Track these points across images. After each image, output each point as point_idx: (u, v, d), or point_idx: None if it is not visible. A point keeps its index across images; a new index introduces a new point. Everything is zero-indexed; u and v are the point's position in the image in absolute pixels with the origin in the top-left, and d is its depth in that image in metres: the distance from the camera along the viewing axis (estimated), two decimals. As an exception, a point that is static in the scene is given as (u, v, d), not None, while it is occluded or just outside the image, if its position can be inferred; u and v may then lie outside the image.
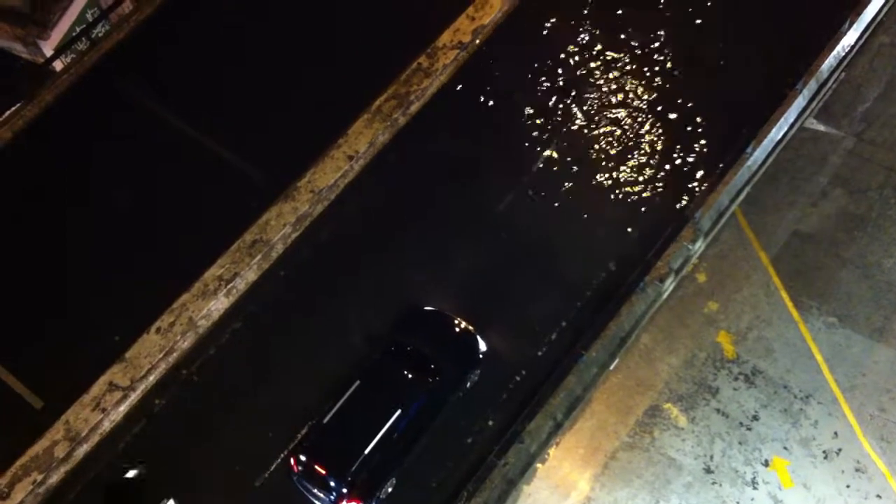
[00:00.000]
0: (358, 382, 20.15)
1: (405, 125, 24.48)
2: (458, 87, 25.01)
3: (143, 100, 24.75)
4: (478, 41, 25.64)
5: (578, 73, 24.99)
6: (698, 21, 25.56)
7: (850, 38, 25.09)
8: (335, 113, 24.24)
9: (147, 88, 24.95)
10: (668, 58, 25.09)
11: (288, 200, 23.11)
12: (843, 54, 25.14)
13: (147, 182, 23.59)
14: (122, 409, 20.92)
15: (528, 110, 24.47)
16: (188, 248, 22.52)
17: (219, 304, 22.02)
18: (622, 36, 25.44)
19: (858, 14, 25.04)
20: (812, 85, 24.17)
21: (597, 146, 23.98)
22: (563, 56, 25.26)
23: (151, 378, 21.17)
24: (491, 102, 24.74)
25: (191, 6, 26.00)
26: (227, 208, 23.10)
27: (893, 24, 26.93)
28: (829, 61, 24.61)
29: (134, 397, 21.02)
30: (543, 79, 24.97)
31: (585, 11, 25.87)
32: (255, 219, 22.88)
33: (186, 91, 24.86)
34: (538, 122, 24.41)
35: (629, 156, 23.78)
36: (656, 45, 25.28)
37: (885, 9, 26.07)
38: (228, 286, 22.06)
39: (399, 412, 19.71)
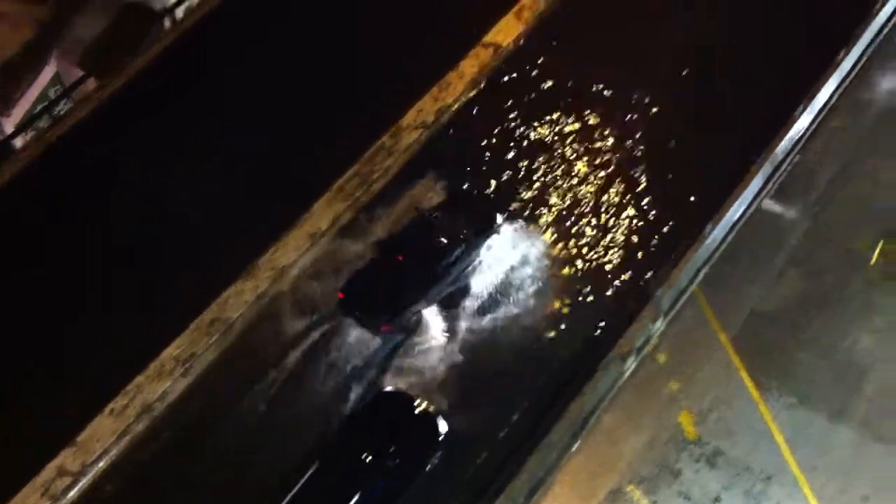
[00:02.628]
0: (316, 465, 19.82)
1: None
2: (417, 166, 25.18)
3: (103, 177, 24.59)
4: (442, 120, 25.98)
5: (536, 150, 25.35)
6: (657, 104, 26.09)
7: (803, 121, 25.76)
8: (298, 192, 24.22)
9: (107, 166, 24.79)
10: (628, 137, 25.53)
11: (248, 278, 22.92)
12: (798, 137, 25.75)
13: (103, 261, 23.27)
14: (72, 495, 20.30)
15: (487, 188, 24.67)
16: (144, 327, 22.15)
17: (175, 385, 21.60)
18: (584, 114, 25.90)
19: (811, 98, 25.75)
20: (768, 167, 24.67)
21: (555, 224, 24.16)
22: (519, 135, 25.60)
23: (102, 463, 20.61)
24: (445, 182, 24.90)
25: (154, 89, 25.99)
26: (186, 286, 22.82)
27: (845, 109, 27.62)
28: (784, 144, 25.22)
29: (84, 482, 20.42)
30: (500, 156, 25.21)
31: (544, 91, 26.37)
32: (214, 297, 22.64)
33: (147, 169, 24.71)
34: (493, 197, 24.61)
35: (588, 235, 23.96)
36: (616, 124, 25.74)
37: (837, 94, 26.83)
38: (185, 366, 21.69)
39: (358, 497, 19.35)
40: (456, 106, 26.08)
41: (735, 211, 24.10)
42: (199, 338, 22.05)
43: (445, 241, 22.59)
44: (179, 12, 28.50)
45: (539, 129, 25.76)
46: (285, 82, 26.10)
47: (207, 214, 23.78)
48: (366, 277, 22.47)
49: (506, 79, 26.66)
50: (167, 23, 28.45)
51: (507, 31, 27.63)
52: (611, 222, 24.20)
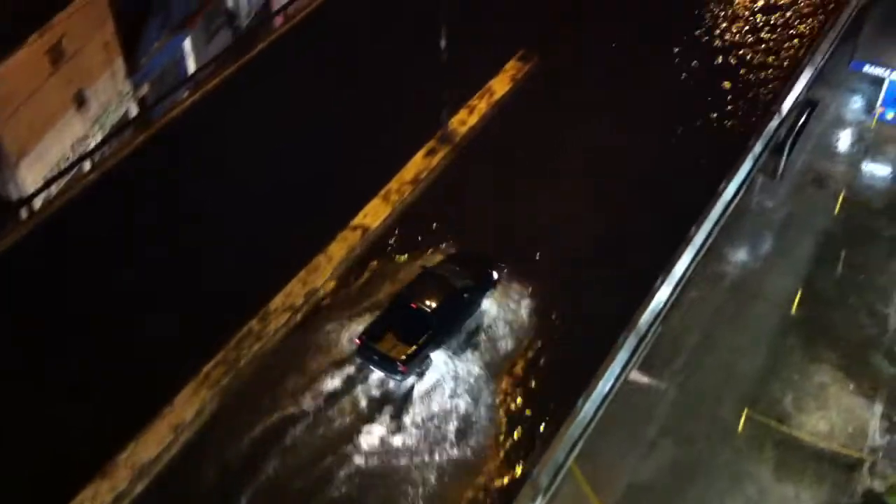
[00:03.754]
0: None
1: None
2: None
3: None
4: (309, 303, 25.77)
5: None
6: (529, 286, 26.70)
7: (663, 293, 26.65)
8: (160, 381, 23.27)
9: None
10: (486, 316, 25.86)
11: (105, 478, 21.52)
12: (659, 309, 26.56)
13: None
14: None
15: (363, 382, 24.38)
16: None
17: None
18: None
19: (669, 272, 26.79)
20: (632, 339, 25.24)
21: (425, 418, 23.78)
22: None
23: None
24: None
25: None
26: (38, 491, 21.22)
27: (701, 280, 28.82)
28: (647, 316, 25.91)
29: None
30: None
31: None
32: (68, 501, 21.09)
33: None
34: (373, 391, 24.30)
35: (465, 424, 23.68)
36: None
37: (693, 266, 28.05)
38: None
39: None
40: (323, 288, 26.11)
41: (604, 384, 24.37)
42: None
43: (452, 291, 24.87)
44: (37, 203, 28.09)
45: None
46: (144, 275, 25.57)
47: (62, 412, 22.48)
48: (382, 325, 24.23)
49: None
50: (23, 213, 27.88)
51: (374, 214, 28.10)
52: (486, 407, 23.97)
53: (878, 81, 36.84)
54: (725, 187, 29.26)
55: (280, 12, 35.14)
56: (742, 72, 33.26)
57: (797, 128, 32.57)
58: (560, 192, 28.71)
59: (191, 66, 33.55)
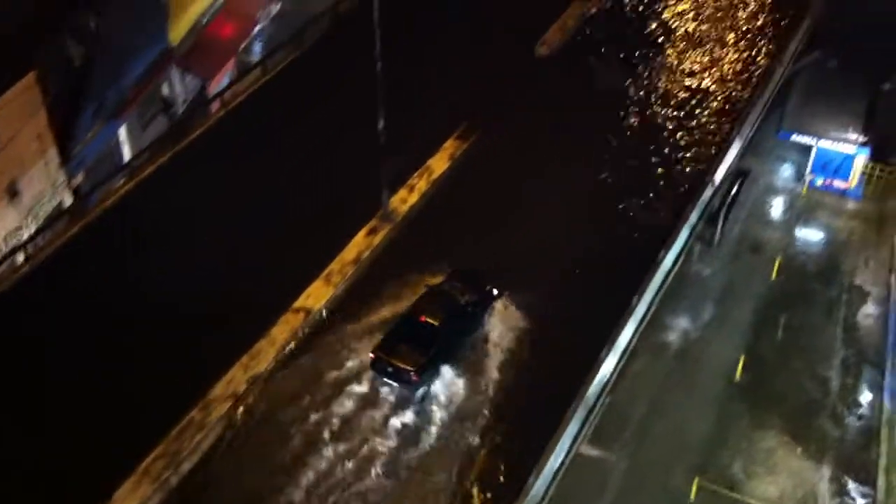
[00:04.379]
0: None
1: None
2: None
3: None
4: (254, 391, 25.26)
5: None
6: (479, 376, 26.60)
7: (609, 364, 26.69)
8: (96, 478, 22.42)
9: None
10: (435, 403, 25.64)
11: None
12: (606, 380, 26.55)
13: None
14: None
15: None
16: None
17: None
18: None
19: (613, 342, 26.87)
20: (581, 412, 25.12)
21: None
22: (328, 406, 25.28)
23: None
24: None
25: None
26: None
27: (645, 350, 28.96)
28: (594, 388, 25.87)
29: None
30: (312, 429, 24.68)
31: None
32: None
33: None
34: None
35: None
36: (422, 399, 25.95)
37: (636, 336, 28.18)
38: None
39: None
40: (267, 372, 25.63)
41: (555, 459, 24.13)
42: None
43: (457, 306, 26.68)
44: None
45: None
46: (78, 367, 24.93)
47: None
48: (394, 339, 25.70)
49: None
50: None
51: (317, 295, 27.84)
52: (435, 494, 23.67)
53: (806, 149, 37.86)
54: (664, 257, 29.66)
55: (216, 98, 35.18)
56: (675, 144, 34.04)
57: (731, 197, 33.23)
58: (500, 269, 28.86)
59: (126, 154, 33.26)
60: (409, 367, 25.05)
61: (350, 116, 31.66)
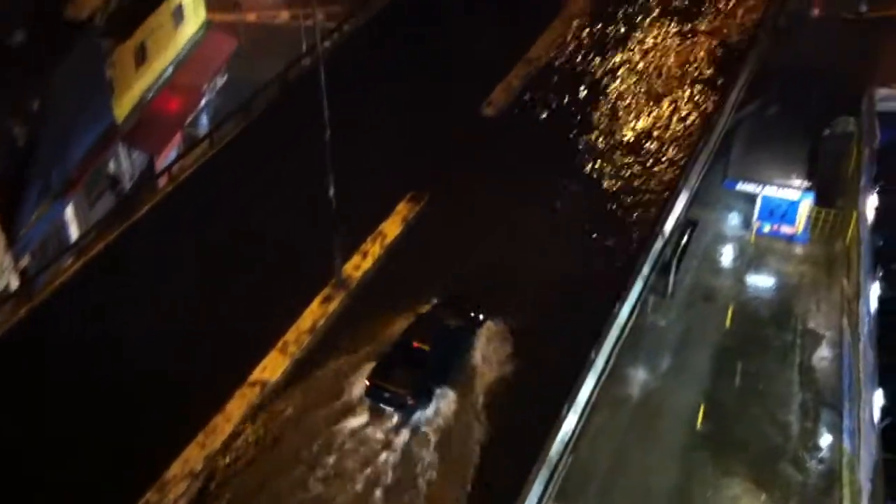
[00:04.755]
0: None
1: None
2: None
3: None
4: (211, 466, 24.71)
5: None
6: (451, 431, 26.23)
7: (570, 421, 26.56)
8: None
9: None
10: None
11: None
12: (568, 438, 26.39)
13: None
14: None
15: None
16: None
17: None
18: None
19: (574, 398, 26.78)
20: (545, 472, 24.91)
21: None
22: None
23: None
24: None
25: None
26: None
27: (606, 404, 28.93)
28: (557, 446, 25.70)
29: None
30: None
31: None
32: None
33: None
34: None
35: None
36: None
37: (596, 391, 28.13)
38: None
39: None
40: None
41: (521, 522, 23.85)
42: None
43: (447, 329, 27.33)
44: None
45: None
46: (27, 451, 24.24)
47: None
48: (387, 365, 26.13)
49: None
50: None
51: (272, 368, 27.46)
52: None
53: (752, 197, 38.61)
54: (619, 309, 29.76)
55: (164, 173, 35.02)
56: (623, 197, 34.37)
57: (681, 247, 33.66)
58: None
59: (73, 233, 32.92)
60: (404, 392, 25.58)
61: (300, 184, 31.66)
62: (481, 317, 28.49)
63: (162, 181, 34.81)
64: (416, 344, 26.61)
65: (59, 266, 30.81)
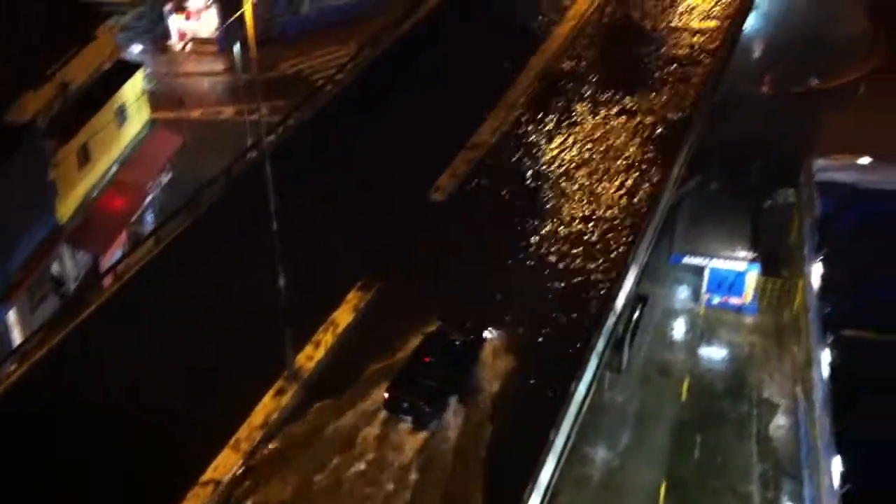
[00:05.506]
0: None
1: None
2: None
3: None
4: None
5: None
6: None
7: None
8: None
9: None
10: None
11: None
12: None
13: None
14: None
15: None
16: None
17: None
18: None
19: (535, 480, 26.38)
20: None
21: None
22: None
23: None
24: None
25: None
26: None
27: (568, 485, 28.55)
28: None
29: None
30: None
31: None
32: None
33: None
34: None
35: None
36: None
37: (557, 471, 27.78)
38: None
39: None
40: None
41: None
42: None
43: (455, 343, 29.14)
44: None
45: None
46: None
47: None
48: (405, 378, 27.82)
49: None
50: None
51: (225, 466, 26.76)
52: None
53: (700, 270, 39.11)
54: (576, 388, 29.61)
55: (109, 272, 34.52)
56: (571, 277, 34.54)
57: (633, 322, 33.81)
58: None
59: (16, 338, 32.15)
60: (422, 402, 27.25)
61: (248, 278, 31.41)
62: (486, 334, 30.56)
63: (107, 281, 34.31)
64: (427, 359, 28.54)
65: (0, 372, 29.96)
